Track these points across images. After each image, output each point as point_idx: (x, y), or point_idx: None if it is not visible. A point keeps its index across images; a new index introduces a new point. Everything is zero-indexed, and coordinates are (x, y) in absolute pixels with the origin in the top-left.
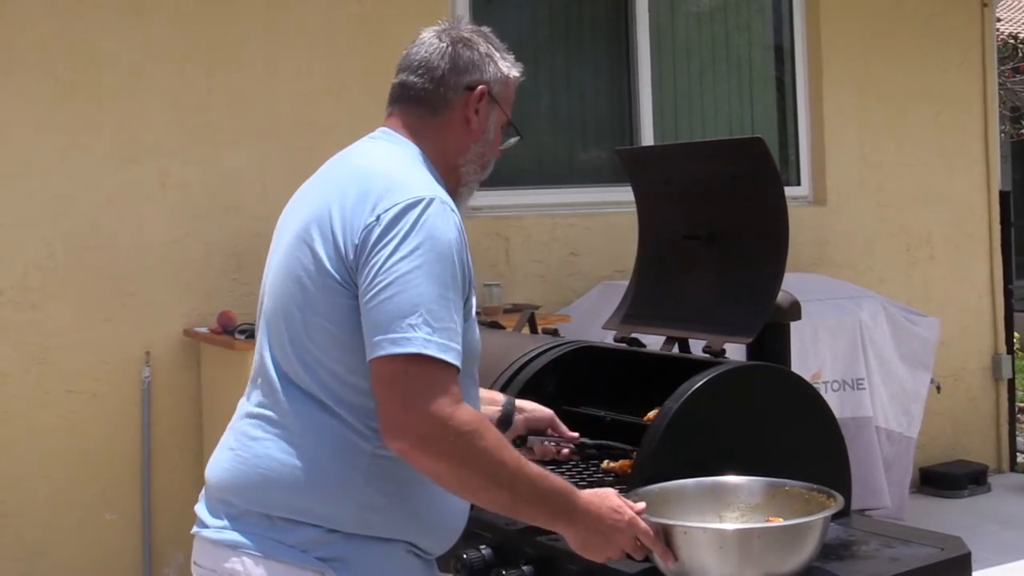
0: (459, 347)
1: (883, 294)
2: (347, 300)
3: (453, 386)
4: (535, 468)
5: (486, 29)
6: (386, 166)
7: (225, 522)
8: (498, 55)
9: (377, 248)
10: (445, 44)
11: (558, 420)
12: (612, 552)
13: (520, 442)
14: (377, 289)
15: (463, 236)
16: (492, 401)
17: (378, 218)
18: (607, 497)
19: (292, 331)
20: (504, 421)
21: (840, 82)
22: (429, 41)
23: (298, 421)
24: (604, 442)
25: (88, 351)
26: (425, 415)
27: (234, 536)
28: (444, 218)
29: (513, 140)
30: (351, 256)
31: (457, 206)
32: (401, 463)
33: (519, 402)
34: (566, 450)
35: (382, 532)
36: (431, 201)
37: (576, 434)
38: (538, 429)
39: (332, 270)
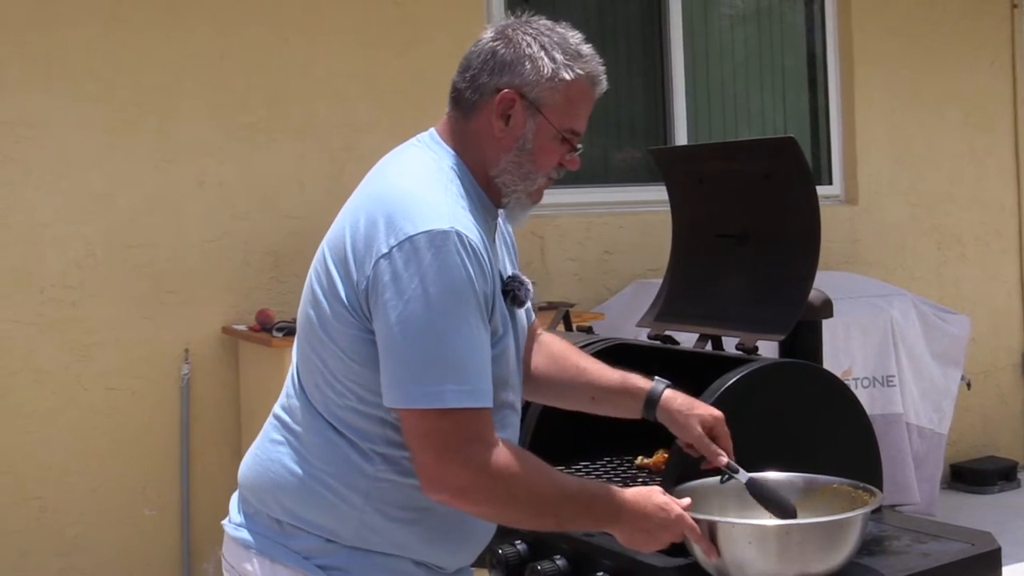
0: (488, 385)
1: (914, 292)
2: (357, 331)
3: (486, 430)
4: (574, 484)
5: (558, 26)
6: (406, 186)
7: (242, 519)
8: (543, 55)
9: (392, 290)
10: (487, 41)
11: (706, 439)
12: (658, 546)
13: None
14: (398, 337)
15: (483, 266)
16: (632, 392)
17: (390, 251)
18: (652, 494)
19: (309, 347)
20: (648, 408)
21: (871, 83)
22: (482, 38)
23: (307, 433)
24: (758, 477)
25: (128, 348)
26: (462, 468)
27: (247, 536)
28: (460, 252)
29: (571, 155)
30: (363, 286)
31: (509, 218)
32: (406, 488)
33: (668, 396)
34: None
35: (384, 549)
36: (445, 235)
37: (724, 458)
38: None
39: (344, 297)
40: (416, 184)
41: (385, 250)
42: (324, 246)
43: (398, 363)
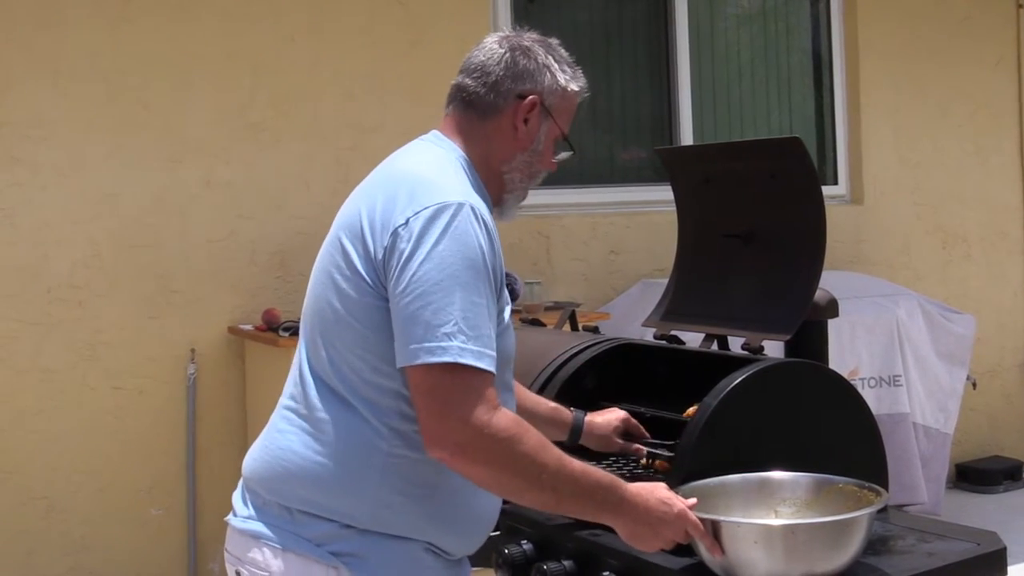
0: (494, 353)
1: (919, 292)
2: (375, 301)
3: (490, 391)
4: (578, 465)
5: (553, 41)
6: (420, 169)
7: (251, 512)
8: (557, 67)
9: (407, 254)
10: (504, 50)
11: (626, 445)
12: (661, 543)
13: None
14: (410, 297)
15: (494, 243)
16: (560, 422)
17: (407, 221)
18: (656, 489)
19: (323, 326)
20: (573, 435)
21: (877, 82)
22: (490, 47)
23: (320, 416)
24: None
25: (134, 348)
26: (463, 424)
27: (257, 527)
28: (474, 224)
29: (565, 155)
30: (380, 257)
31: (503, 212)
32: (419, 464)
33: (588, 423)
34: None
35: (397, 531)
36: (460, 206)
37: (643, 448)
38: (609, 451)
39: (362, 271)
40: (429, 168)
41: (402, 220)
42: (336, 231)
43: (409, 322)
